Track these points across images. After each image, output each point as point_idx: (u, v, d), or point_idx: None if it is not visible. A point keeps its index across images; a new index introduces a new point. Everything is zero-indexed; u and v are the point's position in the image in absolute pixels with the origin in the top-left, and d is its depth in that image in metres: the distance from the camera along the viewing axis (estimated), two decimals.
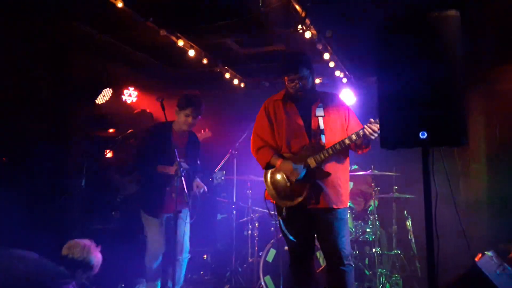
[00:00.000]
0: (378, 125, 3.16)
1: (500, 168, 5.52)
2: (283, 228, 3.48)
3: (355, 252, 4.92)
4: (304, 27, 4.72)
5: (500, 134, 5.58)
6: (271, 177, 3.53)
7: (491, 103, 5.68)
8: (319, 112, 3.46)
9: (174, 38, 5.01)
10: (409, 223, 5.32)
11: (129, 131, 5.04)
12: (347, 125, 3.50)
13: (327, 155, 3.35)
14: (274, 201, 3.54)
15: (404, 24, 2.38)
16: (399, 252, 5.10)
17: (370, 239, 4.97)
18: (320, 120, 3.44)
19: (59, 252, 4.82)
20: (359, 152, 3.46)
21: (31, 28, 4.56)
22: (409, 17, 2.37)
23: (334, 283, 3.38)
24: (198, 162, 4.47)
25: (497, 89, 5.62)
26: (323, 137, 3.41)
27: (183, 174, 3.94)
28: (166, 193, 4.21)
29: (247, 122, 5.60)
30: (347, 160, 3.55)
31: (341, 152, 3.40)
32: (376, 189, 5.06)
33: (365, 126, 3.25)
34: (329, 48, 5.22)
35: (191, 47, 5.28)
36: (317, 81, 6.14)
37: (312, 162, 3.38)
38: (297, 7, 4.48)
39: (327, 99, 3.54)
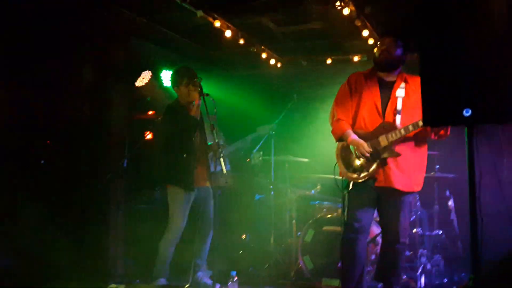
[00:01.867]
0: None
1: None
2: (349, 201, 3.60)
3: None
4: (342, 4, 4.61)
5: None
6: (341, 150, 3.68)
7: None
8: (400, 92, 3.54)
9: (211, 19, 4.99)
10: (451, 203, 5.20)
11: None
12: None
13: (399, 135, 3.42)
14: (342, 175, 3.67)
15: None
16: (441, 232, 5.01)
17: (411, 219, 4.89)
18: (399, 100, 3.51)
19: (103, 233, 5.01)
20: (435, 137, 3.45)
21: (73, 12, 4.64)
22: None
23: (387, 259, 3.59)
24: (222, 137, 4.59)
25: None
26: (398, 118, 3.49)
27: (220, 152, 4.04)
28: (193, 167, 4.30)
29: (284, 102, 5.59)
30: (424, 146, 3.60)
31: (416, 135, 3.46)
32: None
33: None
34: (368, 24, 5.08)
35: (228, 28, 5.26)
36: (356, 58, 6.02)
37: (383, 140, 3.47)
38: None
39: (411, 81, 3.58)
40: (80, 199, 4.98)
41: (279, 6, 4.89)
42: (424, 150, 3.62)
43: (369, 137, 3.52)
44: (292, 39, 5.95)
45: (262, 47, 6.03)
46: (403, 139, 3.46)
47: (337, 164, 3.71)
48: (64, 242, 4.78)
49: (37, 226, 4.69)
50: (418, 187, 3.57)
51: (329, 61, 6.26)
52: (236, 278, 4.00)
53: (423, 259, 4.73)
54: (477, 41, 2.21)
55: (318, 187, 5.21)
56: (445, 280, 4.71)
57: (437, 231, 5.00)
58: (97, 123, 5.15)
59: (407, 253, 4.79)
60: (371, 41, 5.47)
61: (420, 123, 3.33)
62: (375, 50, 3.61)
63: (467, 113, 2.20)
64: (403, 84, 3.57)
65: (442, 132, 3.39)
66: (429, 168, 5.05)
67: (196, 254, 4.38)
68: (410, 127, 3.39)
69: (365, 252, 3.69)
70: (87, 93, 5.19)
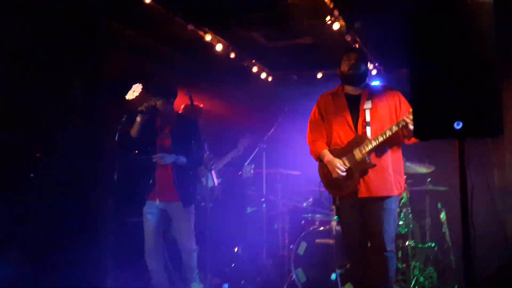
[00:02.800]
0: None
1: None
2: (339, 217, 3.85)
3: None
4: (332, 18, 4.66)
5: None
6: (322, 169, 3.84)
7: None
8: (367, 104, 3.66)
9: (201, 33, 5.02)
10: (443, 216, 5.22)
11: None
12: (398, 113, 3.63)
13: (371, 146, 3.55)
14: (328, 191, 3.89)
15: (436, 11, 2.32)
16: (433, 245, 5.02)
17: (403, 232, 4.89)
18: (367, 112, 3.64)
19: (92, 249, 4.95)
20: (406, 142, 3.62)
21: (63, 24, 4.63)
22: (442, 4, 2.32)
23: (376, 268, 3.62)
24: (194, 149, 4.37)
25: None
26: (368, 129, 3.62)
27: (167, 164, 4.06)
28: (149, 182, 4.27)
29: (275, 115, 5.60)
30: (398, 150, 3.73)
31: (389, 142, 3.58)
32: (409, 181, 4.97)
33: (405, 117, 3.41)
34: (358, 39, 5.14)
35: (219, 42, 5.28)
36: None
37: (357, 153, 3.61)
38: None
39: (376, 91, 3.74)
40: (70, 212, 4.93)
41: (270, 22, 4.94)
42: (399, 155, 3.75)
43: (345, 152, 3.67)
44: (283, 53, 5.99)
45: (253, 61, 6.06)
46: (378, 148, 3.59)
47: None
48: (54, 255, 4.71)
49: (26, 239, 4.62)
50: (399, 190, 3.69)
51: (319, 75, 6.31)
52: None
53: (416, 272, 4.72)
54: (467, 55, 2.23)
55: (310, 199, 5.21)
56: None
57: (430, 243, 5.00)
58: (88, 137, 5.11)
59: (400, 266, 4.79)
60: None
61: (388, 132, 3.49)
62: (342, 65, 3.75)
63: (458, 125, 2.22)
64: (369, 96, 3.70)
65: (414, 138, 3.47)
66: (421, 181, 5.09)
67: (183, 269, 4.35)
68: (380, 138, 3.53)
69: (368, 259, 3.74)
70: (78, 106, 5.16)
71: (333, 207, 3.84)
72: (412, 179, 5.05)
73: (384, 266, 3.60)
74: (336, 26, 4.71)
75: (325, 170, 3.79)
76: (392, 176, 3.63)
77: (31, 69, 4.73)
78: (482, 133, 2.27)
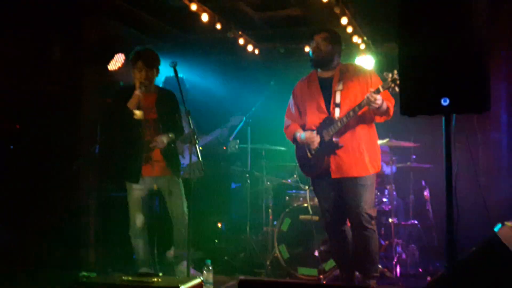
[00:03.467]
0: (377, 95, 3.36)
1: None
2: (316, 196, 3.92)
3: None
4: None
5: None
6: (296, 151, 3.89)
7: None
8: (339, 86, 3.66)
9: (187, 2, 4.87)
10: (427, 193, 5.23)
11: (108, 100, 4.94)
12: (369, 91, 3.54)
13: (337, 127, 3.57)
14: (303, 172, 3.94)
15: None
16: (416, 222, 5.03)
17: (387, 209, 4.90)
18: (337, 94, 3.64)
19: (74, 221, 4.89)
20: (378, 119, 3.65)
21: None
22: None
23: (358, 247, 3.66)
24: (178, 122, 4.24)
25: None
26: (337, 111, 3.63)
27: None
28: (141, 157, 4.10)
29: (261, 89, 5.51)
30: (371, 128, 3.73)
31: (358, 121, 3.60)
32: (393, 158, 4.94)
33: (367, 95, 3.40)
34: (347, 12, 5.04)
35: (204, 11, 5.14)
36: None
37: (326, 134, 3.62)
38: None
39: (347, 71, 3.71)
40: (50, 186, 4.84)
41: None
42: (373, 132, 3.75)
43: (318, 133, 3.69)
44: (270, 25, 5.88)
45: (240, 32, 5.93)
46: (349, 128, 3.60)
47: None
48: (34, 230, 4.64)
49: (4, 212, 4.54)
50: (375, 169, 3.68)
51: (307, 48, 6.19)
52: (211, 267, 3.94)
53: (398, 249, 4.74)
54: (455, 31, 2.18)
55: (295, 176, 5.16)
56: (420, 269, 4.73)
57: (413, 221, 5.02)
58: (67, 107, 4.98)
59: (382, 242, 4.80)
60: (349, 29, 5.43)
61: (351, 113, 3.50)
62: (309, 48, 3.74)
63: (445, 102, 2.18)
64: (340, 77, 3.69)
65: (384, 116, 3.58)
66: (405, 158, 5.07)
67: (174, 243, 4.30)
68: (344, 119, 3.54)
69: (347, 235, 3.78)
70: (57, 74, 5.01)
71: (307, 187, 4.00)
72: (397, 156, 5.03)
73: (366, 244, 3.62)
74: None
75: (299, 151, 3.84)
76: (366, 155, 3.63)
77: (8, 34, 4.57)
78: (469, 110, 2.23)
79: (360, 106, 3.48)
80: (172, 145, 4.19)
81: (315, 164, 3.72)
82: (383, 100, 3.42)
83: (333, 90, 3.67)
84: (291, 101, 3.97)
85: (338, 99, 3.64)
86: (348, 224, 3.81)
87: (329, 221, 3.80)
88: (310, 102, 3.78)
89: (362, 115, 3.59)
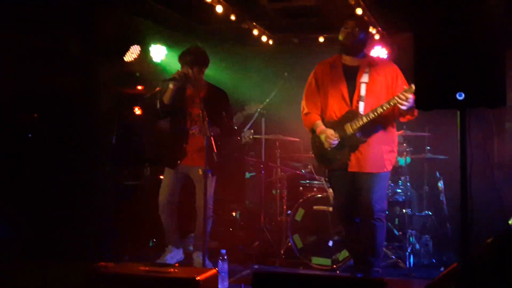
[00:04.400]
0: (409, 94, 3.23)
1: None
2: (332, 188, 3.92)
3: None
4: None
5: None
6: (313, 142, 3.81)
7: None
8: (364, 78, 3.57)
9: None
10: (441, 184, 5.22)
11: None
12: (394, 89, 3.51)
13: (361, 122, 3.48)
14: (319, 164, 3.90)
15: None
16: (430, 213, 5.03)
17: (401, 199, 4.90)
18: (363, 86, 3.55)
19: (92, 208, 4.97)
20: (401, 119, 3.59)
21: None
22: None
23: (364, 236, 3.64)
24: (225, 119, 4.44)
25: None
26: (361, 104, 3.54)
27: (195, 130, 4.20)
28: (182, 147, 4.37)
29: (276, 79, 5.52)
30: (392, 127, 3.67)
31: (382, 118, 3.51)
32: (408, 149, 4.93)
33: (395, 96, 3.33)
34: (361, 3, 5.01)
35: (219, 3, 5.15)
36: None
37: (348, 128, 3.56)
38: None
39: (375, 64, 3.62)
40: (68, 175, 4.92)
41: None
42: (393, 131, 3.71)
43: (337, 126, 3.62)
44: (284, 16, 5.86)
45: (254, 23, 5.93)
46: (372, 123, 3.52)
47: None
48: (51, 218, 4.73)
49: (22, 201, 4.63)
50: (389, 167, 3.67)
51: (321, 39, 6.19)
52: (225, 256, 4.00)
53: (412, 239, 4.76)
54: (471, 25, 2.19)
55: (309, 166, 5.19)
56: (434, 260, 4.74)
57: (426, 212, 5.02)
58: (85, 97, 5.06)
59: (396, 232, 4.82)
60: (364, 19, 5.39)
61: (379, 110, 3.41)
62: (340, 33, 3.64)
63: (460, 96, 2.19)
64: (367, 69, 3.60)
65: (409, 115, 3.50)
66: (420, 149, 5.07)
67: (196, 235, 4.49)
68: (371, 115, 3.45)
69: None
70: (74, 66, 5.07)
71: (325, 179, 3.86)
72: (411, 147, 5.02)
73: (373, 235, 3.60)
74: None
75: (317, 142, 3.76)
76: (384, 153, 3.61)
77: (27, 28, 4.63)
78: (484, 104, 2.24)
79: (389, 103, 3.40)
80: (218, 142, 4.24)
81: (334, 157, 3.68)
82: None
83: (357, 81, 3.60)
84: (312, 82, 3.83)
85: (363, 91, 3.56)
86: None
87: (343, 213, 3.80)
88: (333, 88, 3.68)
89: (386, 112, 3.50)
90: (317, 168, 4.65)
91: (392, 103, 3.37)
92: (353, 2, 4.81)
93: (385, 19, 5.73)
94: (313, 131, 3.79)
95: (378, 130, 3.58)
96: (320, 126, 3.70)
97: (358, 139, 3.55)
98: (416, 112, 3.48)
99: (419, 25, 2.30)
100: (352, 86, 3.61)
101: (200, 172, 3.92)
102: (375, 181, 3.58)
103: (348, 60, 3.70)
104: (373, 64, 3.63)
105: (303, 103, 3.86)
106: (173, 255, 4.49)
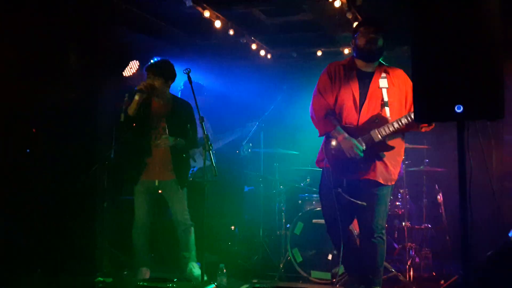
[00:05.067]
0: None
1: None
2: (343, 197, 3.45)
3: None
4: None
5: None
6: (330, 147, 3.47)
7: None
8: (383, 83, 3.41)
9: (200, 9, 4.93)
10: (440, 197, 5.22)
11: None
12: (409, 102, 3.41)
13: (392, 129, 3.30)
14: (333, 172, 3.49)
15: None
16: (429, 226, 5.03)
17: (400, 212, 4.90)
18: (384, 91, 3.39)
19: (89, 223, 4.95)
20: (423, 129, 3.39)
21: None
22: None
23: (365, 253, 3.50)
24: (190, 132, 4.35)
25: None
26: (387, 110, 3.35)
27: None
28: (145, 160, 4.27)
29: (274, 93, 5.54)
30: (402, 138, 3.53)
31: (402, 128, 3.33)
32: (406, 162, 4.94)
33: None
34: (359, 17, 5.05)
35: (217, 18, 5.20)
36: (346, 50, 5.98)
37: (376, 135, 3.34)
38: None
39: (391, 72, 3.50)
40: (65, 190, 4.91)
41: None
42: (402, 143, 3.54)
43: (359, 132, 3.39)
44: (282, 30, 5.91)
45: (252, 38, 5.98)
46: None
47: (326, 161, 3.51)
48: (49, 233, 4.71)
49: (20, 216, 4.61)
50: (393, 181, 3.50)
51: (319, 53, 6.24)
52: (224, 270, 3.98)
53: (412, 252, 4.74)
54: (468, 36, 2.18)
55: (308, 180, 5.19)
56: (434, 273, 4.73)
57: (426, 224, 5.01)
58: (84, 112, 5.06)
59: (396, 246, 4.81)
60: None
61: (407, 119, 3.26)
62: (359, 38, 3.43)
63: (458, 109, 2.18)
64: (384, 75, 3.45)
65: (426, 126, 3.34)
66: (418, 162, 5.07)
67: (181, 247, 4.38)
68: (404, 120, 3.27)
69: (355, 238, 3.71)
70: (74, 81, 5.09)
71: (339, 190, 3.43)
72: (410, 159, 5.04)
73: (373, 253, 3.45)
74: (337, 3, 4.63)
75: (333, 149, 3.45)
76: (393, 165, 3.44)
77: (28, 43, 4.66)
78: (483, 117, 2.23)
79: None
80: (180, 151, 4.27)
81: (356, 165, 3.38)
82: None
83: (371, 87, 3.42)
84: (326, 78, 3.55)
85: (386, 97, 3.37)
86: (356, 229, 3.73)
87: (337, 225, 3.51)
88: (344, 92, 3.46)
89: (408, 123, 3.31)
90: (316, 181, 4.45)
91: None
92: (350, 16, 4.86)
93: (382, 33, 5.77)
94: (328, 135, 3.49)
95: (393, 140, 3.40)
96: (342, 133, 3.39)
97: (387, 147, 3.36)
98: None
99: (417, 38, 2.31)
100: (364, 91, 3.42)
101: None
102: (378, 199, 3.42)
103: (362, 65, 3.50)
104: (390, 71, 3.50)
105: (318, 100, 3.54)
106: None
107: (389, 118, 3.34)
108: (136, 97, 4.11)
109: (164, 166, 4.26)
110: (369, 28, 3.41)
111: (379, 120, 3.35)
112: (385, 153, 3.39)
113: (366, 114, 3.43)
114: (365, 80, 3.45)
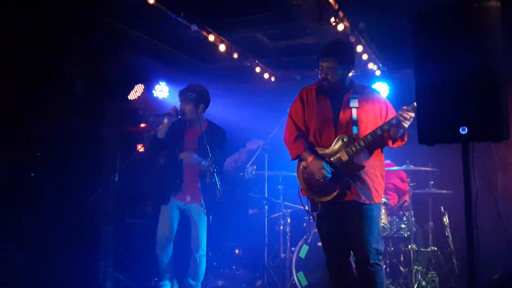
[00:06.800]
0: (411, 112, 3.09)
1: None
2: (317, 223, 3.45)
3: (390, 249, 4.82)
4: (337, 20, 4.62)
5: None
6: (303, 171, 3.45)
7: None
8: (353, 103, 3.37)
9: (204, 33, 4.99)
10: (446, 219, 5.18)
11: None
12: (384, 118, 3.36)
13: (358, 147, 3.25)
14: (307, 196, 3.47)
15: (442, 14, 2.29)
16: (436, 248, 4.98)
17: (406, 235, 4.86)
18: (354, 111, 3.34)
19: (93, 247, 4.93)
20: (393, 145, 3.34)
21: (65, 24, 4.61)
22: (448, 7, 2.28)
23: (362, 282, 3.31)
24: (218, 157, 4.32)
25: None
26: (355, 129, 3.31)
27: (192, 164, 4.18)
28: (176, 182, 4.36)
29: (278, 116, 5.56)
30: (381, 154, 3.45)
31: (374, 144, 3.30)
32: (411, 184, 4.92)
33: (398, 113, 3.15)
34: (362, 40, 5.10)
35: (222, 42, 5.26)
36: (350, 74, 6.01)
37: (343, 155, 3.30)
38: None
39: (362, 91, 3.45)
40: (70, 213, 4.91)
41: (273, 21, 4.90)
42: (381, 159, 3.44)
43: (329, 153, 3.35)
44: (286, 54, 5.96)
45: (256, 61, 6.03)
46: (367, 148, 3.30)
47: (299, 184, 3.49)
48: (54, 257, 4.69)
49: (25, 240, 4.60)
50: (379, 198, 3.36)
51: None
52: None
53: (418, 276, 4.69)
54: (471, 58, 2.20)
55: None
56: None
57: (432, 247, 4.97)
58: (89, 136, 5.09)
59: (402, 269, 4.76)
60: (365, 57, 5.49)
61: (379, 131, 3.21)
62: (318, 71, 3.39)
63: (463, 131, 2.19)
64: (354, 95, 3.39)
65: (398, 141, 3.31)
66: (424, 184, 5.06)
67: (189, 273, 4.38)
68: (369, 137, 3.23)
69: (352, 271, 3.46)
70: (79, 105, 5.14)
71: (316, 214, 3.40)
72: (415, 182, 5.02)
73: (370, 281, 3.26)
74: (340, 27, 4.68)
75: (305, 172, 3.44)
76: (375, 182, 3.33)
77: (33, 67, 4.71)
78: (488, 138, 2.23)
79: (390, 123, 3.18)
80: (209, 176, 4.19)
81: (328, 187, 3.32)
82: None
83: (345, 106, 3.37)
84: (298, 105, 3.54)
85: (355, 116, 3.33)
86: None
87: (333, 254, 3.43)
88: (317, 115, 3.43)
89: (378, 138, 3.27)
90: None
91: (393, 122, 3.16)
92: (353, 40, 4.90)
93: (385, 55, 5.83)
94: (298, 157, 3.48)
95: (367, 157, 3.33)
96: (311, 155, 3.37)
97: (356, 165, 3.29)
98: (406, 137, 3.30)
99: (420, 60, 2.32)
100: (337, 111, 3.38)
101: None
102: (367, 219, 3.27)
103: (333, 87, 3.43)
104: (360, 91, 3.45)
105: (289, 125, 3.56)
106: None
107: (357, 137, 3.28)
108: (165, 121, 4.30)
109: (193, 189, 4.33)
110: (322, 65, 3.35)
111: (347, 140, 3.31)
112: (365, 169, 3.30)
113: (339, 135, 3.38)
114: (337, 102, 3.40)
